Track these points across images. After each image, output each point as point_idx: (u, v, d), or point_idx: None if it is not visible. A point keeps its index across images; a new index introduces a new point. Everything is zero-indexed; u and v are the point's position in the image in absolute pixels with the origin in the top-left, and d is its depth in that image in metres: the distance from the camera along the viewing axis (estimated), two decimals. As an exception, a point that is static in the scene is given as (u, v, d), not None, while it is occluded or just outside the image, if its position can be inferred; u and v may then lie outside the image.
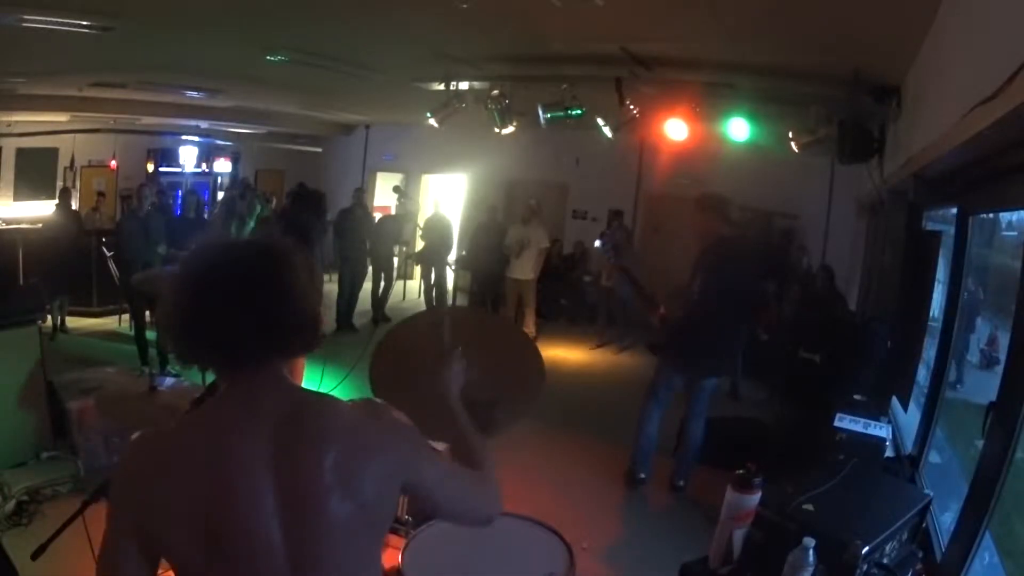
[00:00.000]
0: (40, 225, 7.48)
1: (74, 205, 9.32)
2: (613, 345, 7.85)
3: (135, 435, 1.06)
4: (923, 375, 3.31)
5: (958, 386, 3.15)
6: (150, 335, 5.88)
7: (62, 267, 6.83)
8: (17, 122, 8.69)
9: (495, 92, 5.37)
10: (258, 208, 8.38)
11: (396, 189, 9.38)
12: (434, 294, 8.62)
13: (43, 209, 8.10)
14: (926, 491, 2.11)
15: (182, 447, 1.02)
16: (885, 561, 1.64)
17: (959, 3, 2.36)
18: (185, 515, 0.97)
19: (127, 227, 5.91)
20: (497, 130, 5.60)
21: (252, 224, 7.07)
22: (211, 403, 1.12)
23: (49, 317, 6.73)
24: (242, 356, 1.05)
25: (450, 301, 8.93)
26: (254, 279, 1.04)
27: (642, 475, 4.15)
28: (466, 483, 1.21)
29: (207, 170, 11.97)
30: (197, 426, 1.07)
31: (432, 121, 5.72)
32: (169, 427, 1.09)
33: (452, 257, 8.77)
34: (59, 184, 8.92)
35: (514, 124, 5.59)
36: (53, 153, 9.51)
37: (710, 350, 3.92)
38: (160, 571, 1.05)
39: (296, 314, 1.06)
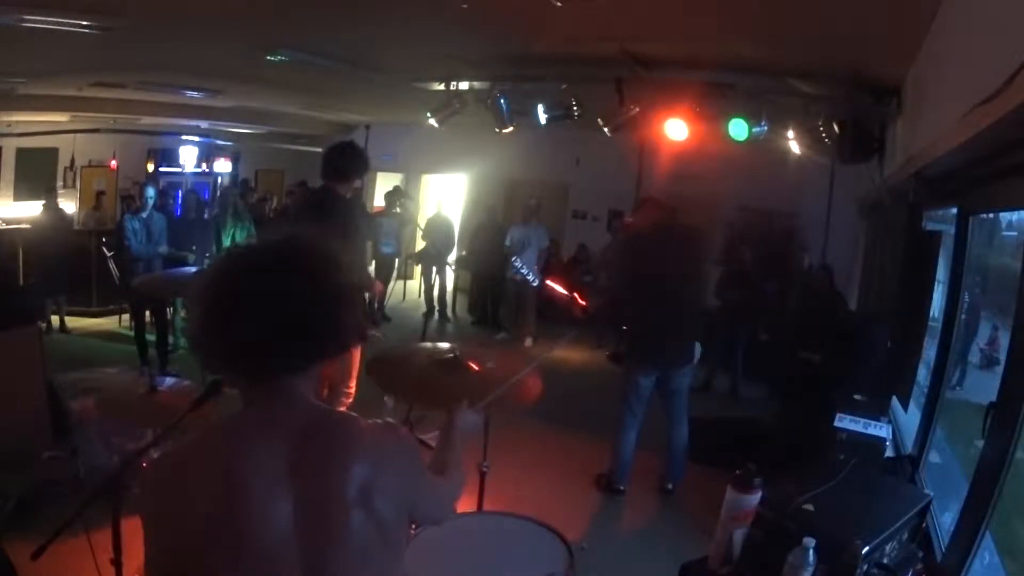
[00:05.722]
0: (28, 226, 7.47)
1: (74, 205, 9.35)
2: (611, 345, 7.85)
3: (156, 454, 1.07)
4: (923, 375, 3.31)
5: (957, 387, 3.14)
6: (150, 335, 5.88)
7: (56, 266, 6.83)
8: (17, 122, 8.68)
9: (495, 92, 5.36)
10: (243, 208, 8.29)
11: (396, 190, 9.30)
12: (435, 294, 8.61)
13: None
14: (926, 491, 2.10)
15: (199, 459, 1.01)
16: (885, 561, 1.64)
17: (959, 3, 2.36)
18: (201, 526, 0.95)
19: (128, 227, 5.91)
20: (497, 130, 5.60)
21: (247, 224, 7.05)
22: (229, 417, 1.11)
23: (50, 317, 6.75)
24: (252, 371, 1.05)
25: (450, 301, 8.94)
26: (267, 294, 1.01)
27: (621, 487, 4.06)
28: (439, 495, 1.31)
29: (207, 170, 11.97)
30: (214, 439, 1.06)
31: (432, 121, 5.71)
32: (187, 441, 1.08)
33: (452, 257, 8.76)
34: (59, 184, 8.92)
35: (514, 124, 5.59)
36: (53, 153, 9.51)
37: (670, 338, 3.87)
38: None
39: (312, 331, 1.04)
